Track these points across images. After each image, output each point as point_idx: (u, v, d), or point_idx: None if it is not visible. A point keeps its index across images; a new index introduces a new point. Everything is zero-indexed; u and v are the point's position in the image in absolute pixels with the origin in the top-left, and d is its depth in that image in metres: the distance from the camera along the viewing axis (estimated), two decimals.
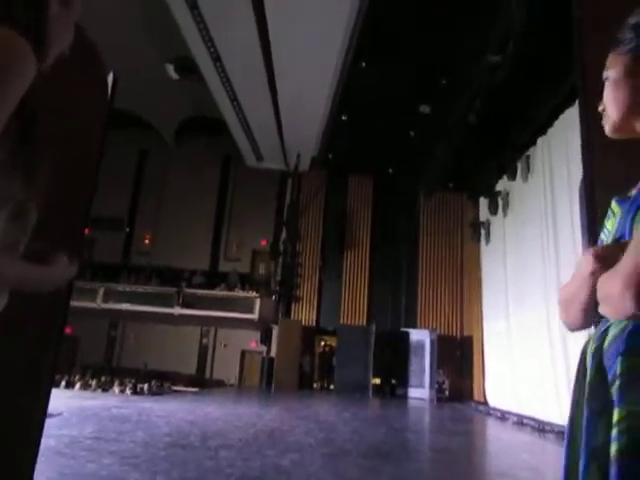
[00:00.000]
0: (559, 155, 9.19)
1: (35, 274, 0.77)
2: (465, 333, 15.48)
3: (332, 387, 15.18)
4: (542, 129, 9.98)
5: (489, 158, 12.11)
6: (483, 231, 13.97)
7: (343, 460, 5.05)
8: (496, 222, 13.05)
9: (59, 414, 6.44)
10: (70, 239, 1.63)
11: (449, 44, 9.25)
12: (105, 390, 11.89)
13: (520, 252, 11.03)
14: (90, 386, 12.10)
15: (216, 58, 10.93)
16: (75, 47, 0.79)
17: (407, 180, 15.36)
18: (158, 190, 17.66)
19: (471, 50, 9.01)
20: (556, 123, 9.39)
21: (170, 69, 13.37)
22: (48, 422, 1.94)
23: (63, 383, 11.72)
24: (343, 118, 13.05)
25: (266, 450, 5.25)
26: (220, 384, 15.60)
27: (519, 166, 11.26)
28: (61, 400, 7.79)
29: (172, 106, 15.58)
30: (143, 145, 17.94)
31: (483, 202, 13.88)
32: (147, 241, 17.65)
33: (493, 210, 12.84)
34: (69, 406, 7.61)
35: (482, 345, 13.75)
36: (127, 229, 17.75)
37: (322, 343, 16.12)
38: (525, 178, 10.96)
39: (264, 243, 17.27)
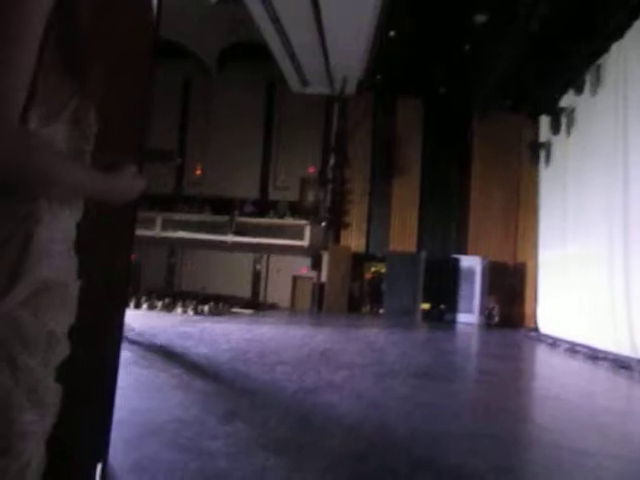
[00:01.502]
0: (638, 63, 8.17)
1: (105, 184, 0.77)
2: (518, 260, 15.15)
3: (381, 311, 15.61)
4: (618, 32, 8.77)
5: (553, 70, 10.98)
6: (543, 153, 13.09)
7: (393, 379, 5.29)
8: (558, 143, 12.13)
9: (132, 330, 7.06)
10: (134, 155, 1.67)
11: None
12: (169, 311, 12.86)
13: (583, 176, 10.30)
14: (155, 307, 13.12)
15: None
16: None
17: (460, 100, 14.40)
18: (204, 120, 17.66)
19: None
20: (636, 23, 8.22)
21: None
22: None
23: (132, 304, 12.76)
24: (391, 34, 12.16)
25: (319, 367, 5.57)
26: (273, 307, 16.43)
27: (587, 78, 10.18)
28: (132, 318, 8.49)
29: (213, 33, 15.04)
30: (186, 75, 17.72)
31: (544, 121, 12.85)
32: (198, 172, 18.01)
33: (555, 129, 11.89)
34: (140, 323, 8.31)
35: (536, 272, 13.44)
36: (179, 160, 18.07)
37: (372, 269, 16.37)
38: (594, 92, 9.90)
39: (312, 171, 17.17)
